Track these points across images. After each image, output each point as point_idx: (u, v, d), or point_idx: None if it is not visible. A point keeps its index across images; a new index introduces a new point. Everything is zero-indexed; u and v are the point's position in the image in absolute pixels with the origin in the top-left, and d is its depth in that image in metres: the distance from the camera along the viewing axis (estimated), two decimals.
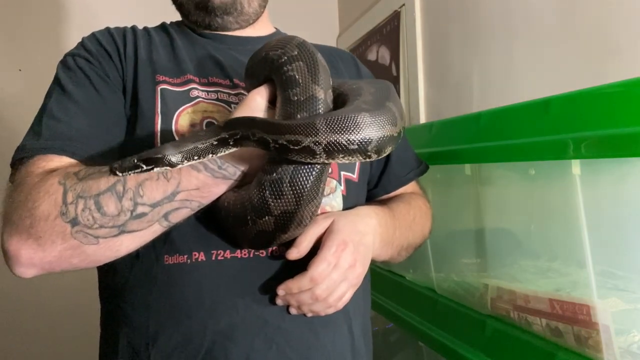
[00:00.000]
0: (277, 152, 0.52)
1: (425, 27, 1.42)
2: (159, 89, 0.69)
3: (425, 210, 0.85)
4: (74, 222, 0.55)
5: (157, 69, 0.71)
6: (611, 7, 0.85)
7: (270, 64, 0.60)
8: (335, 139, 0.49)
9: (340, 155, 0.50)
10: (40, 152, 0.61)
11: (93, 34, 0.75)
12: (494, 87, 1.14)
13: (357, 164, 0.75)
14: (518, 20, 1.06)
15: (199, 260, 0.63)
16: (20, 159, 0.62)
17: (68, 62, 0.71)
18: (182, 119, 0.67)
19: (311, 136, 0.49)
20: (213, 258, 0.63)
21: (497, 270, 0.86)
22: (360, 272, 0.65)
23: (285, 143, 0.51)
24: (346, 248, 0.63)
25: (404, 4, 1.49)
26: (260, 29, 0.84)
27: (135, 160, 0.52)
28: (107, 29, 0.76)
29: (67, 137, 0.63)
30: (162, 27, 0.82)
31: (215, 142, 0.55)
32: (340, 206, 0.72)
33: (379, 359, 0.81)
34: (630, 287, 0.65)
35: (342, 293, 0.64)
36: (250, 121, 0.54)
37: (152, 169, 0.53)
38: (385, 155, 0.53)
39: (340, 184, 0.72)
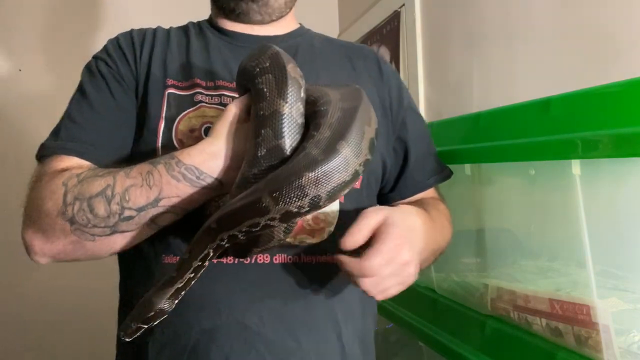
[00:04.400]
0: (249, 238, 0.55)
1: (425, 27, 1.42)
2: (166, 93, 0.71)
3: (448, 216, 0.82)
4: (72, 221, 0.60)
5: (168, 73, 0.73)
6: (611, 7, 0.85)
7: (248, 75, 0.61)
8: (286, 209, 0.51)
9: (296, 219, 0.53)
10: (55, 152, 0.67)
11: (116, 37, 0.78)
12: (494, 87, 1.14)
13: None
14: (518, 21, 1.06)
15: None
16: (42, 156, 0.68)
17: (91, 66, 0.75)
18: (182, 124, 0.69)
19: (264, 215, 0.51)
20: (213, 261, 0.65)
21: (497, 270, 0.86)
22: (412, 272, 0.61)
23: (248, 229, 0.53)
24: (405, 244, 0.59)
25: (404, 4, 1.49)
26: (283, 26, 0.83)
27: (134, 325, 0.56)
28: (130, 32, 0.78)
29: (80, 139, 0.68)
30: (184, 28, 0.82)
31: (191, 275, 0.57)
32: (336, 214, 0.70)
33: (379, 359, 0.80)
34: (630, 287, 0.65)
35: (386, 287, 0.60)
36: (208, 229, 0.55)
37: (153, 324, 0.57)
38: (338, 198, 0.54)
39: None
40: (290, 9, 0.83)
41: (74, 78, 0.77)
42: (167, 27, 0.82)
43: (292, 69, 0.57)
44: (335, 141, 0.52)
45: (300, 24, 0.88)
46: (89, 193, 0.60)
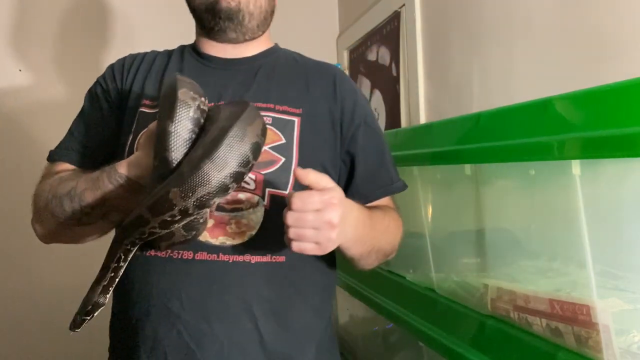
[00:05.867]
0: (149, 241, 0.70)
1: (425, 27, 1.42)
2: (139, 111, 0.84)
3: (399, 223, 0.87)
4: (52, 214, 0.77)
5: (144, 94, 0.86)
6: (611, 7, 0.85)
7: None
8: (161, 219, 0.63)
9: (175, 225, 0.65)
10: (54, 158, 0.88)
11: (112, 64, 0.93)
12: (494, 87, 1.14)
13: (291, 179, 0.79)
14: (518, 20, 1.06)
15: (145, 254, 0.78)
16: (48, 160, 0.89)
17: (91, 87, 0.92)
18: (141, 139, 0.78)
19: (146, 225, 0.65)
20: (146, 254, 0.78)
21: (497, 270, 0.86)
22: (333, 238, 0.65)
23: (139, 236, 0.68)
24: (338, 209, 0.65)
25: (404, 4, 1.49)
26: (255, 47, 0.91)
27: (79, 318, 0.70)
28: (125, 57, 0.93)
29: (72, 148, 0.88)
30: (170, 51, 0.94)
31: (112, 274, 0.71)
32: (260, 220, 0.78)
33: (378, 359, 0.80)
34: (630, 287, 0.65)
35: (303, 234, 0.64)
36: (116, 238, 0.72)
37: (93, 315, 0.70)
38: (215, 204, 0.66)
39: (264, 200, 0.78)
40: (263, 32, 0.91)
41: (83, 87, 0.93)
42: (171, 44, 0.95)
43: (183, 93, 0.67)
44: (200, 159, 0.61)
45: (275, 43, 0.96)
46: (60, 193, 0.77)
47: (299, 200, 0.63)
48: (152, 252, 0.77)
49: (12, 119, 1.59)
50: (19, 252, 1.56)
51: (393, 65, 1.59)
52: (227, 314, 0.76)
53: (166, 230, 0.66)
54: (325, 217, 0.64)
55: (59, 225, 0.78)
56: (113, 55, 1.56)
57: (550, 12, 0.97)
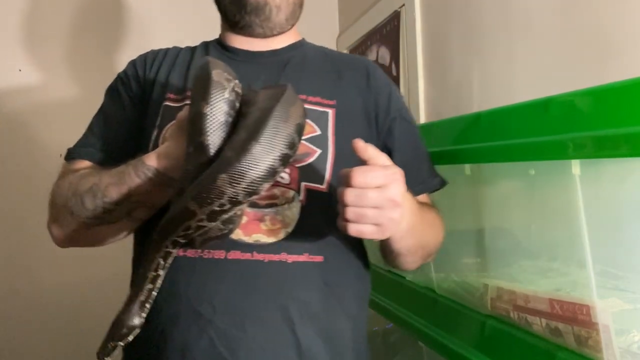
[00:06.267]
0: (190, 239, 0.62)
1: (425, 27, 1.42)
2: (163, 105, 0.80)
3: (442, 221, 0.82)
4: (72, 213, 0.71)
5: (168, 88, 0.82)
6: (611, 7, 0.85)
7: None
8: (210, 209, 0.56)
9: (223, 216, 0.58)
10: (73, 155, 0.83)
11: (133, 59, 0.89)
12: (494, 87, 1.14)
13: (328, 173, 0.75)
14: (518, 20, 1.06)
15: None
16: (65, 158, 0.84)
17: (112, 83, 0.88)
18: (169, 131, 0.75)
19: (193, 218, 0.57)
20: (180, 254, 0.71)
21: (497, 270, 0.86)
22: (396, 218, 0.58)
23: (184, 233, 0.60)
24: (401, 186, 0.58)
25: (404, 4, 1.49)
26: (283, 41, 0.87)
27: (111, 345, 0.62)
28: (147, 52, 0.89)
29: (92, 145, 0.82)
30: (194, 47, 0.90)
31: (150, 286, 0.63)
32: (296, 217, 0.73)
33: (379, 359, 0.80)
34: (630, 287, 0.65)
35: (364, 214, 0.57)
36: (153, 241, 0.63)
37: (128, 339, 0.62)
38: (263, 190, 0.58)
39: (299, 194, 0.73)
40: (292, 25, 0.88)
41: (99, 87, 0.90)
42: (186, 43, 0.91)
43: (217, 74, 0.63)
44: (247, 142, 0.56)
45: (302, 38, 0.92)
46: (81, 189, 0.71)
47: (360, 174, 0.56)
48: (181, 252, 0.70)
49: (14, 119, 1.59)
50: (19, 252, 1.56)
51: (393, 65, 1.59)
52: (263, 318, 0.70)
53: (214, 223, 0.59)
54: (389, 194, 0.56)
55: (79, 225, 0.72)
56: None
57: (550, 12, 0.97)
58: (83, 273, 1.58)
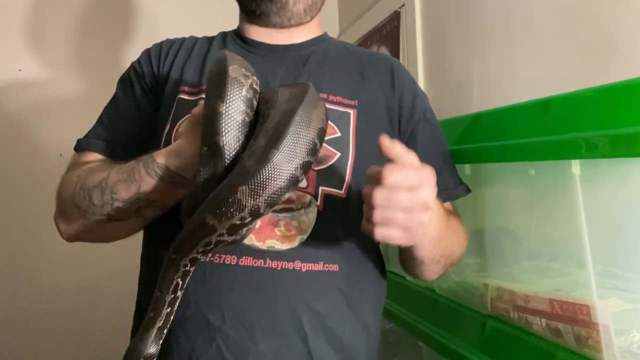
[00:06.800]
0: (207, 252, 0.57)
1: (425, 27, 1.42)
2: (177, 98, 0.77)
3: (465, 230, 0.79)
4: (79, 208, 0.68)
5: (183, 80, 0.79)
6: (611, 7, 0.85)
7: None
8: (230, 223, 0.53)
9: (244, 229, 0.55)
10: (82, 147, 0.79)
11: (148, 49, 0.85)
12: (494, 87, 1.14)
13: (348, 177, 0.72)
14: (518, 20, 1.06)
15: None
16: (75, 149, 0.80)
17: (124, 73, 0.85)
18: (182, 127, 0.72)
19: (213, 233, 0.54)
20: None
21: (497, 270, 0.86)
22: (425, 222, 0.53)
23: (204, 249, 0.56)
24: (432, 188, 0.53)
25: (404, 4, 1.49)
26: (303, 34, 0.84)
27: None
28: (162, 41, 0.86)
29: (103, 137, 0.79)
30: (211, 38, 0.86)
31: (168, 310, 0.60)
32: (312, 223, 0.70)
33: (379, 359, 0.80)
34: (630, 287, 0.65)
35: (392, 217, 0.52)
36: (170, 261, 0.58)
37: None
38: (282, 201, 0.54)
39: (317, 200, 0.70)
40: (312, 17, 0.84)
41: (106, 83, 0.88)
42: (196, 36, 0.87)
43: (234, 70, 0.59)
44: (267, 150, 0.52)
45: (325, 32, 0.89)
46: (90, 184, 0.68)
47: (392, 174, 0.51)
48: None
49: (14, 119, 1.59)
50: (19, 252, 1.56)
51: None
52: (274, 328, 0.67)
53: (234, 237, 0.56)
54: (421, 196, 0.52)
55: (86, 220, 0.69)
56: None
57: (550, 12, 0.97)
58: (83, 273, 1.57)
